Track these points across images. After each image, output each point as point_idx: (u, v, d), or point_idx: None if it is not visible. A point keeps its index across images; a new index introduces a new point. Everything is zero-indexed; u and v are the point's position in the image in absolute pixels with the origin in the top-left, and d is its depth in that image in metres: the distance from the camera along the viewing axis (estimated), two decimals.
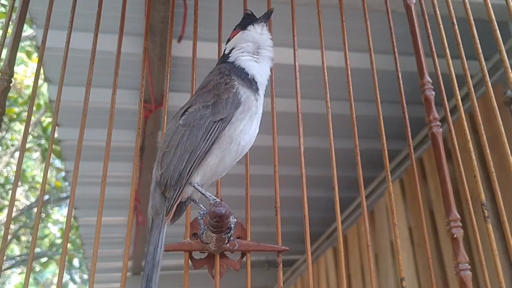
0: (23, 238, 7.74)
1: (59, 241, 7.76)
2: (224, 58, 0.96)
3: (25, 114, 6.45)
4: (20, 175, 0.87)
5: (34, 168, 7.76)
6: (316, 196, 2.79)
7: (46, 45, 2.08)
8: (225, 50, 0.98)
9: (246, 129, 0.86)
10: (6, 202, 7.34)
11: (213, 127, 0.83)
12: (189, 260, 0.91)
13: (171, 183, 0.81)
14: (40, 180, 7.42)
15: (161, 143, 0.90)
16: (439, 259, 2.25)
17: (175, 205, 0.83)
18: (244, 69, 0.91)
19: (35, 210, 7.47)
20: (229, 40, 0.99)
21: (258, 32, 0.96)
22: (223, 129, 0.84)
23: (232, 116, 0.85)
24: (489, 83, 0.94)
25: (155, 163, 0.88)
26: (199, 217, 0.86)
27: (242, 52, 0.94)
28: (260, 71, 0.92)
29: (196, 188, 0.83)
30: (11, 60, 0.98)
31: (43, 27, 1.97)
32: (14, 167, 7.39)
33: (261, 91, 0.91)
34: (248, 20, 0.98)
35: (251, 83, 0.89)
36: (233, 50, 0.95)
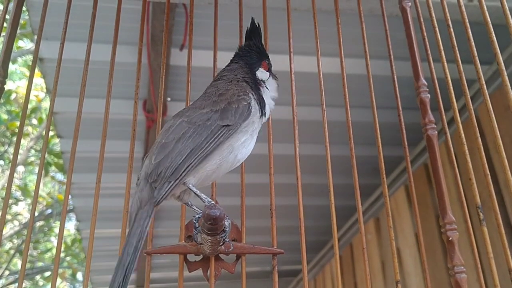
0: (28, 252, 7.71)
1: (62, 254, 7.73)
2: (250, 76, 0.98)
3: (27, 129, 6.46)
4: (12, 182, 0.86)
5: None
6: (321, 204, 2.78)
7: (47, 57, 2.08)
8: (254, 68, 1.00)
9: (246, 143, 0.88)
10: (9, 217, 7.33)
11: (219, 131, 0.84)
12: (184, 263, 0.91)
13: (166, 174, 0.80)
14: (43, 194, 7.43)
15: (158, 137, 0.89)
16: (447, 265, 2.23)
17: (165, 198, 0.82)
18: (263, 98, 0.96)
19: (38, 224, 7.46)
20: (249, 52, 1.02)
21: (275, 85, 1.02)
22: (228, 137, 0.85)
23: (238, 126, 0.86)
24: (485, 86, 0.94)
25: (147, 156, 0.87)
26: (194, 220, 0.85)
27: (268, 89, 0.99)
28: (269, 108, 0.97)
29: (190, 189, 0.83)
30: (5, 62, 0.98)
31: (44, 39, 1.98)
32: (17, 181, 7.41)
33: (262, 120, 0.94)
34: (265, 53, 1.03)
35: (261, 108, 0.93)
36: (262, 81, 0.99)
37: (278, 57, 1.63)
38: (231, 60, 1.03)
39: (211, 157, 0.83)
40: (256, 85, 0.97)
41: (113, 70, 1.02)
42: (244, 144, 0.87)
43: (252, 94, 0.93)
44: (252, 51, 1.02)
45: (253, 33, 1.03)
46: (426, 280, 0.93)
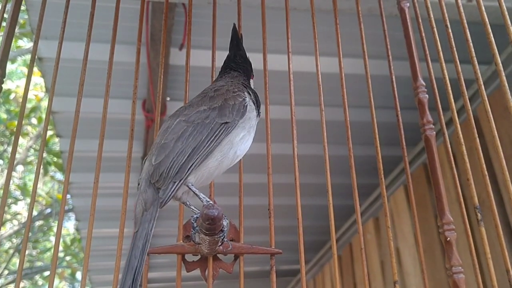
0: (26, 251, 7.71)
1: (61, 254, 7.73)
2: (244, 77, 1.02)
3: (26, 128, 6.46)
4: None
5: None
6: (320, 204, 2.78)
7: (47, 56, 2.08)
8: (249, 77, 1.04)
9: (244, 139, 0.89)
10: (9, 216, 7.33)
11: (219, 129, 0.85)
12: (182, 263, 0.91)
13: (170, 174, 0.80)
14: (43, 193, 7.43)
15: (156, 138, 0.89)
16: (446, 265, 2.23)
17: (171, 198, 0.81)
18: (257, 95, 0.98)
19: (37, 223, 7.46)
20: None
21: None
22: (227, 134, 0.86)
23: (236, 123, 0.87)
24: (483, 87, 0.94)
25: (147, 158, 0.87)
26: (193, 220, 0.85)
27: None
28: (259, 106, 0.98)
29: (189, 188, 0.83)
30: (3, 61, 0.98)
31: (44, 38, 1.98)
32: (16, 181, 7.41)
33: (258, 118, 0.96)
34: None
35: (256, 105, 0.95)
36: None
37: (277, 57, 1.63)
38: (229, 67, 1.04)
39: (212, 154, 0.84)
40: (251, 88, 0.99)
41: (111, 70, 1.02)
42: (242, 140, 0.88)
43: (248, 93, 0.95)
44: (247, 63, 1.05)
45: (239, 42, 1.05)
46: (424, 280, 0.93)
